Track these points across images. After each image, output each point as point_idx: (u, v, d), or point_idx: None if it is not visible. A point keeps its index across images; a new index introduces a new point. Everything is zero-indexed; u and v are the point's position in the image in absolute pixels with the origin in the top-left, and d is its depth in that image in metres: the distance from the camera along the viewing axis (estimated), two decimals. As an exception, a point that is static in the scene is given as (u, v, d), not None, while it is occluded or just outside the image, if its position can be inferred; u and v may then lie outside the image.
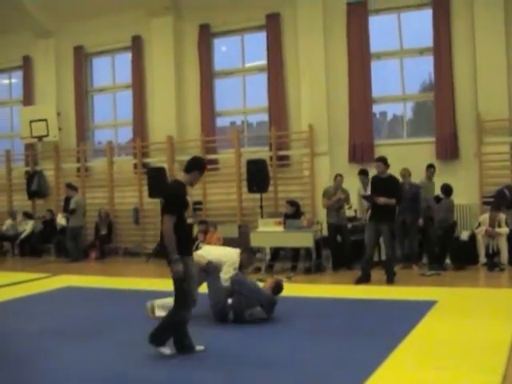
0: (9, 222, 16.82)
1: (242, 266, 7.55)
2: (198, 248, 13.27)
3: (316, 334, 6.86)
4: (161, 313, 7.47)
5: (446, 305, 8.17)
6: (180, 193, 6.08)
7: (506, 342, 6.18)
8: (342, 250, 12.12)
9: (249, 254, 7.63)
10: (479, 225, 11.74)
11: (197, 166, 6.26)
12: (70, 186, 15.38)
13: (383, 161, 10.47)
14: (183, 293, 6.04)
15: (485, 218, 11.73)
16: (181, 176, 6.31)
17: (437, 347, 6.09)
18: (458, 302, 8.40)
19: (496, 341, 6.22)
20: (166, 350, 6.09)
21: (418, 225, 11.97)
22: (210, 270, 7.56)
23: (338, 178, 12.28)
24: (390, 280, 10.23)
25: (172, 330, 6.15)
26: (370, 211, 10.91)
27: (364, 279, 10.35)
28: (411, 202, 11.70)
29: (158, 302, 7.76)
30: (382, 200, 10.18)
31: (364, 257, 10.57)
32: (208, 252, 7.94)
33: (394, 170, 10.82)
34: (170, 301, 7.48)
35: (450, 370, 5.33)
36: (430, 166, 12.38)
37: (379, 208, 10.28)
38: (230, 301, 7.41)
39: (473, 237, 11.83)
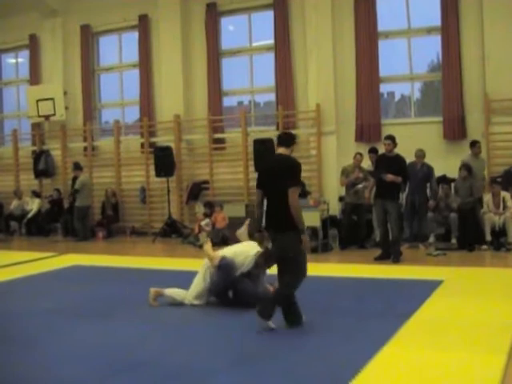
0: (16, 201, 16.88)
1: (257, 266, 7.42)
2: (200, 228, 13.35)
3: (322, 313, 6.87)
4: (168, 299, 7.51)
5: (451, 284, 8.18)
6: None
7: (511, 322, 6.20)
8: (355, 229, 12.15)
9: (267, 259, 7.37)
10: (483, 204, 11.71)
11: (293, 141, 6.55)
12: (75, 166, 15.41)
13: (392, 139, 10.48)
14: (301, 265, 6.19)
15: (490, 196, 11.70)
16: (282, 150, 6.39)
17: (442, 327, 6.11)
18: (464, 282, 8.42)
19: (501, 321, 6.25)
20: (272, 324, 6.12)
21: (427, 206, 11.87)
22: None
23: (358, 156, 12.24)
24: (396, 259, 10.25)
25: (281, 304, 6.21)
26: (374, 190, 10.92)
27: (384, 256, 10.46)
28: (422, 182, 11.70)
29: (168, 291, 7.57)
30: (390, 177, 10.18)
31: (379, 236, 10.88)
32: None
33: (402, 150, 10.72)
34: (177, 292, 7.48)
35: (455, 350, 5.35)
36: (476, 142, 12.09)
37: (384, 186, 10.31)
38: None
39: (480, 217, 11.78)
